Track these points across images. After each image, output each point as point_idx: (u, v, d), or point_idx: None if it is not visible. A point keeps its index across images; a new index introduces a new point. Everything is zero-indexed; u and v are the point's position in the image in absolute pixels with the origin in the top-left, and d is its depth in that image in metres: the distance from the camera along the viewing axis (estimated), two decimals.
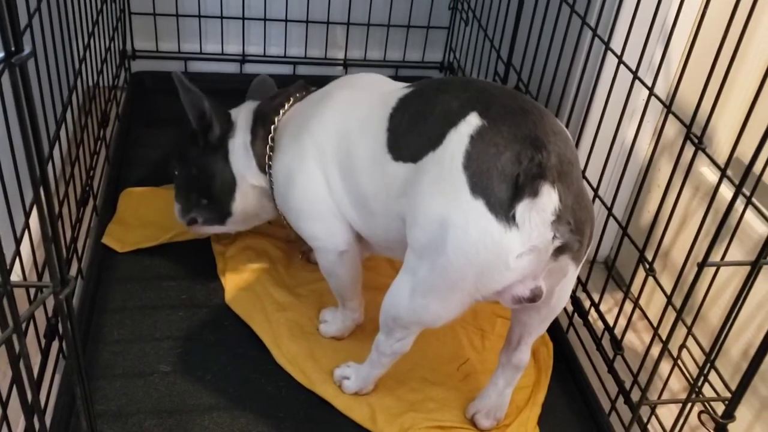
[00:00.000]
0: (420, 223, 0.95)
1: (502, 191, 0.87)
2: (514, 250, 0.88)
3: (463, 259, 0.90)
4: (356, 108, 1.13)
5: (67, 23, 1.33)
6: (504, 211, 0.87)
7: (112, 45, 1.78)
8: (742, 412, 1.21)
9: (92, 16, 1.55)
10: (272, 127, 1.25)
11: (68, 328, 0.69)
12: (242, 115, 1.31)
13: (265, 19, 2.01)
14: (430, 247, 0.93)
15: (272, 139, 1.24)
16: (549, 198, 0.87)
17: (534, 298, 0.94)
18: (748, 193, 0.95)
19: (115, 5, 1.83)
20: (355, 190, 1.10)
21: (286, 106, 1.26)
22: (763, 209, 1.01)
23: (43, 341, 1.13)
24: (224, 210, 1.32)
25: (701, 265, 0.90)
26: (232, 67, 2.07)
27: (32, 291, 1.12)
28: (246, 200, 1.31)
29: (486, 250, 0.89)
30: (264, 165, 1.26)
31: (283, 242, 1.49)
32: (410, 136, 1.01)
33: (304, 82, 1.32)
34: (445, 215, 0.91)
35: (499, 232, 0.88)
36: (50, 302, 1.11)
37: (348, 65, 2.11)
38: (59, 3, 1.29)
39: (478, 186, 0.89)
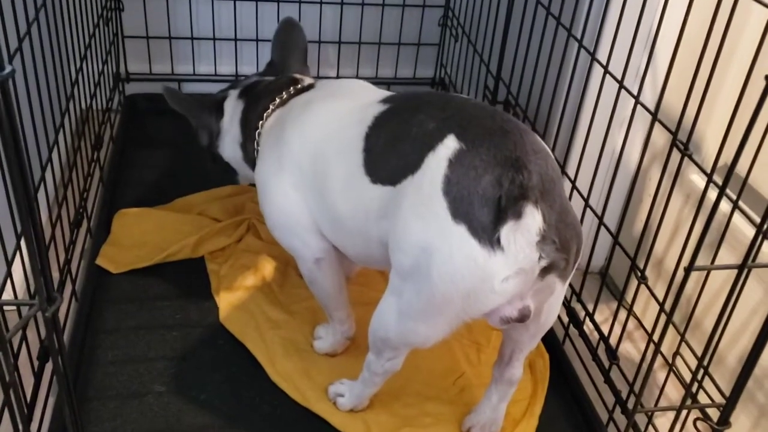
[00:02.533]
0: (403, 249, 0.94)
1: (484, 215, 0.87)
2: (500, 273, 0.87)
3: (449, 285, 0.90)
4: (334, 124, 1.11)
5: (59, 47, 1.35)
6: (487, 236, 0.86)
7: (105, 68, 1.79)
8: (741, 419, 1.21)
9: (85, 39, 1.57)
10: (257, 132, 1.25)
11: (55, 344, 0.69)
12: (231, 119, 1.31)
13: (257, 40, 2.03)
14: (415, 273, 0.93)
15: (258, 143, 1.26)
16: (533, 218, 0.86)
17: (522, 318, 0.94)
18: (734, 197, 0.96)
19: (108, 29, 1.85)
20: (333, 210, 1.09)
21: (270, 108, 1.25)
22: (751, 213, 1.02)
23: (36, 364, 1.13)
24: (233, 181, 1.43)
25: (688, 270, 0.90)
26: None
27: (24, 312, 1.12)
28: (251, 179, 1.38)
29: (471, 276, 0.88)
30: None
31: (276, 261, 1.49)
32: (388, 158, 1.00)
33: (291, 77, 1.31)
34: (428, 241, 0.90)
35: (483, 257, 0.87)
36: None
37: None
38: (50, 27, 1.30)
39: (460, 211, 0.88)
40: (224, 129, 1.32)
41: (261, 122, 1.25)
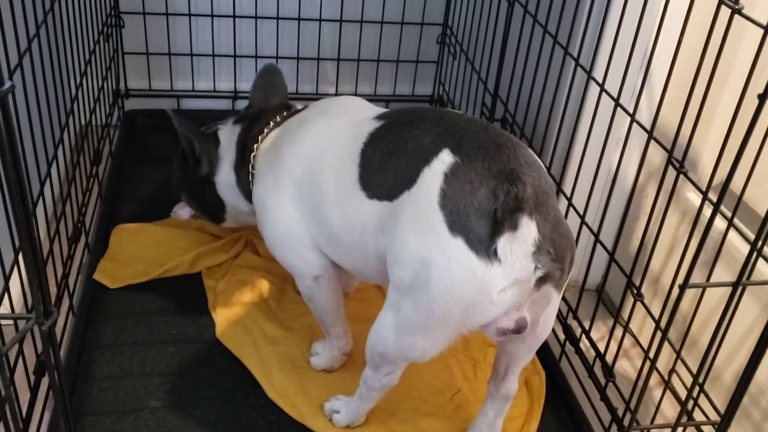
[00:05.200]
0: (401, 263, 0.95)
1: (480, 228, 0.88)
2: (497, 284, 0.88)
3: (448, 298, 0.91)
4: (330, 140, 1.12)
5: (59, 63, 1.36)
6: (485, 248, 0.88)
7: (105, 84, 1.80)
8: None
9: (85, 56, 1.58)
10: (252, 155, 1.26)
11: (51, 359, 0.69)
12: (227, 144, 1.33)
13: (256, 57, 2.04)
14: (414, 286, 0.94)
15: (252, 167, 1.26)
16: (528, 230, 0.88)
17: (519, 329, 0.94)
18: (729, 214, 0.96)
19: (109, 45, 1.86)
20: (330, 226, 1.10)
21: (265, 132, 1.27)
22: (746, 230, 1.02)
23: (32, 379, 1.13)
24: (218, 220, 1.43)
25: (682, 287, 0.90)
26: (224, 104, 2.09)
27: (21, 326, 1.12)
28: (238, 216, 1.39)
29: (470, 287, 0.89)
30: (250, 194, 1.28)
31: (273, 276, 1.49)
32: (384, 173, 1.01)
33: (285, 102, 1.33)
34: (426, 255, 0.91)
35: (481, 269, 0.88)
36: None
37: None
38: (51, 43, 1.31)
39: (456, 224, 0.89)
40: (222, 155, 1.33)
41: (256, 145, 1.26)
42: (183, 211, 1.51)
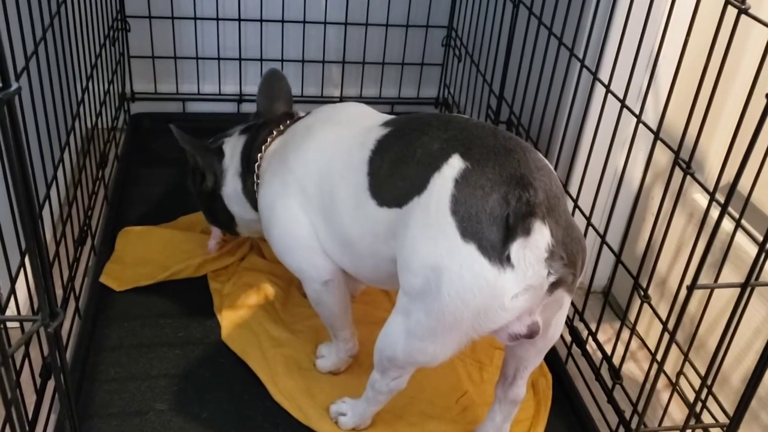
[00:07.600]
0: (412, 269, 0.95)
1: (492, 233, 0.87)
2: (510, 290, 0.88)
3: (459, 304, 0.90)
4: (337, 148, 1.12)
5: (65, 66, 1.36)
6: (497, 253, 0.87)
7: (111, 87, 1.81)
8: None
9: (91, 59, 1.58)
10: (256, 165, 1.27)
11: (57, 361, 0.69)
12: (231, 156, 1.33)
13: (261, 60, 2.04)
14: (425, 292, 0.93)
15: (257, 176, 1.27)
16: (541, 234, 0.87)
17: (531, 334, 0.94)
18: (737, 215, 0.96)
19: (115, 49, 1.87)
20: (340, 234, 1.10)
21: (269, 140, 1.27)
22: (754, 231, 1.02)
23: (38, 381, 1.13)
24: (233, 232, 1.43)
25: (690, 288, 0.90)
26: (229, 107, 2.10)
27: (27, 328, 1.12)
28: (249, 225, 1.38)
29: (482, 294, 0.89)
30: (256, 202, 1.28)
31: (279, 279, 1.49)
32: (393, 180, 1.01)
33: (287, 111, 1.34)
34: (438, 261, 0.90)
35: (493, 275, 0.87)
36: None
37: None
38: (57, 46, 1.32)
39: (468, 230, 0.88)
40: (226, 167, 1.34)
41: (260, 154, 1.27)
42: (212, 243, 1.53)
